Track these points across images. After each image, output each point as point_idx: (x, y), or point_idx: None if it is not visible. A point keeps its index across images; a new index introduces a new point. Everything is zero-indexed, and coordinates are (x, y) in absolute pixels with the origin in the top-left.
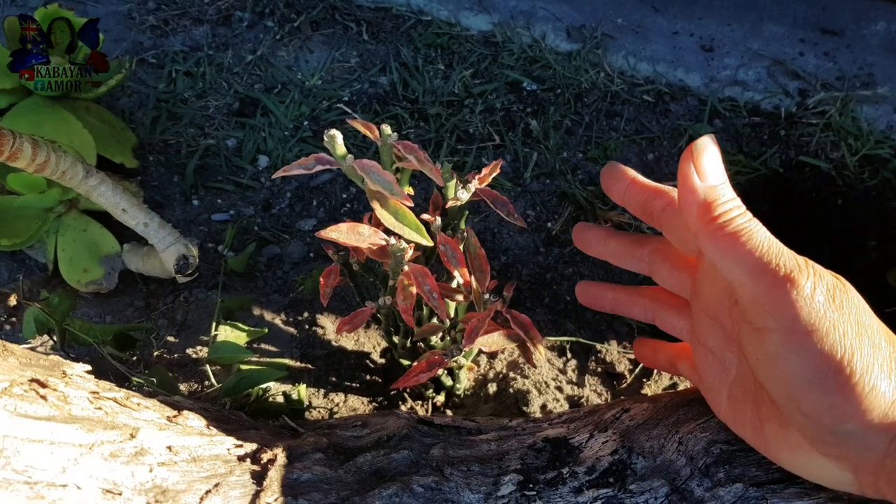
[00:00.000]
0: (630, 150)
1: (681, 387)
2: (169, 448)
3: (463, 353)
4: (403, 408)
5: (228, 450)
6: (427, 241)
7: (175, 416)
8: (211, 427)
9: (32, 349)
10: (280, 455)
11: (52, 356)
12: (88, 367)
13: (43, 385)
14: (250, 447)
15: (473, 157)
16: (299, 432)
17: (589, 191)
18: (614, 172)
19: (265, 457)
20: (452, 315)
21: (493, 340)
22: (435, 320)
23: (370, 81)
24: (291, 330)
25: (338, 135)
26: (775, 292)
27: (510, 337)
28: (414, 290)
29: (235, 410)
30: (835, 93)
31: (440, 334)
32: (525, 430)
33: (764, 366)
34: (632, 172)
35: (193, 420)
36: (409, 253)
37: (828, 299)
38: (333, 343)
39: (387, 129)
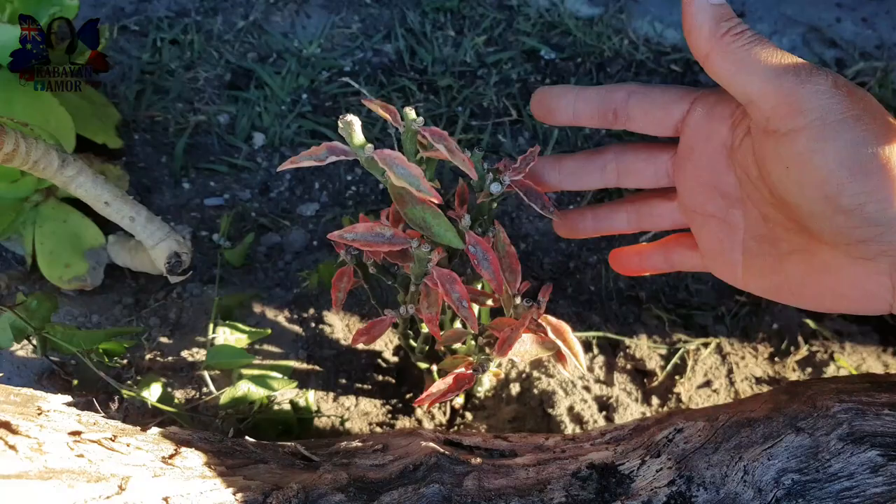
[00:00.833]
0: None
1: (714, 384)
2: (165, 500)
3: (494, 364)
4: (419, 411)
5: (234, 494)
6: (460, 245)
7: (172, 457)
8: (213, 466)
9: (6, 386)
10: (294, 499)
11: (24, 390)
12: (68, 399)
13: (13, 431)
14: (259, 490)
15: (489, 133)
16: (313, 461)
17: None
18: (551, 91)
19: (277, 501)
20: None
21: (526, 350)
22: (458, 324)
23: (374, 49)
24: (296, 328)
25: (355, 121)
26: (801, 90)
27: (545, 345)
28: (440, 296)
29: (239, 438)
30: (874, 62)
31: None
32: (566, 451)
33: (796, 173)
34: (571, 86)
35: (192, 458)
36: (437, 258)
37: (850, 91)
38: (342, 342)
39: (411, 113)
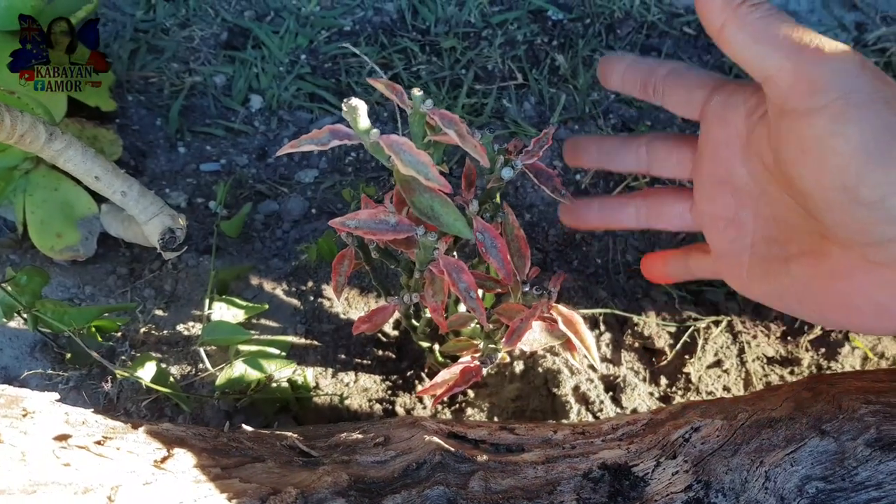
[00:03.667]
0: None
1: (725, 364)
2: None
3: (502, 355)
4: (420, 387)
5: (230, 500)
6: (469, 236)
7: (164, 460)
8: (207, 468)
9: None
10: None
11: (8, 389)
12: (55, 396)
13: None
14: (256, 494)
15: (494, 98)
16: (313, 457)
17: None
18: (613, 58)
19: None
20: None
21: (535, 339)
22: (461, 307)
23: (374, 8)
24: (294, 301)
25: (360, 106)
26: (823, 66)
27: (554, 333)
28: (446, 285)
29: (236, 430)
30: None
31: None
32: (575, 448)
33: (813, 158)
34: (631, 55)
35: (185, 459)
36: (444, 247)
37: (877, 74)
38: (342, 316)
39: (418, 93)
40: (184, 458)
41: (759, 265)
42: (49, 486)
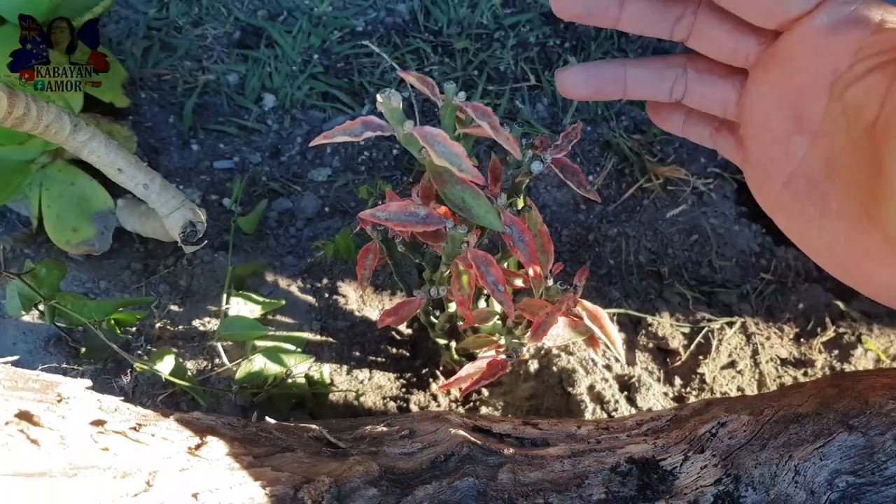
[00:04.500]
0: None
1: (739, 365)
2: (195, 496)
3: (527, 349)
4: (434, 385)
5: (264, 488)
6: (500, 228)
7: (198, 447)
8: (239, 456)
9: (16, 367)
10: (326, 494)
11: (42, 375)
12: (88, 383)
13: (35, 423)
14: (289, 483)
15: (507, 99)
16: (341, 448)
17: (635, 140)
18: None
19: (310, 496)
20: None
21: (559, 334)
22: (482, 302)
23: (387, 9)
24: (309, 298)
25: (395, 97)
26: None
27: (578, 329)
28: (472, 278)
29: (262, 421)
30: None
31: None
32: (601, 443)
33: None
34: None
35: (218, 447)
36: (475, 239)
37: None
38: (356, 313)
39: (452, 87)
40: (217, 446)
41: (791, 198)
42: (89, 470)
